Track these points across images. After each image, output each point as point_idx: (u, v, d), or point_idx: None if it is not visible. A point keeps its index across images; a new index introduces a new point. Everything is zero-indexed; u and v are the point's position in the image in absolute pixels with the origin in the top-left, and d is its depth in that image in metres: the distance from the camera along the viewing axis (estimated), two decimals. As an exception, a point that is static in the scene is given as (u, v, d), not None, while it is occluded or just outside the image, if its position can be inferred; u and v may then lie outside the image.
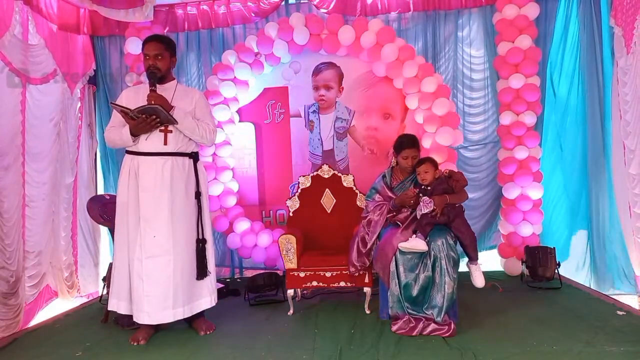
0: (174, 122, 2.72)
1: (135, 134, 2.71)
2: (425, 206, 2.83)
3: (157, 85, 2.75)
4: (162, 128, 2.75)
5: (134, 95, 2.83)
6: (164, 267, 2.70)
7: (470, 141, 4.44)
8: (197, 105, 2.91)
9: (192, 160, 2.88)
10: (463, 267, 4.33)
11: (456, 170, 3.24)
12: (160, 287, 2.69)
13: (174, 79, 2.93)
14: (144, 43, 2.81)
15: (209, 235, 2.94)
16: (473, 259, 2.91)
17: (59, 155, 3.97)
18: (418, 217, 2.89)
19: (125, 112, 2.65)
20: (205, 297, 2.91)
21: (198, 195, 2.87)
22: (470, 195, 4.25)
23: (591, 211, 3.97)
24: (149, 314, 2.69)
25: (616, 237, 3.74)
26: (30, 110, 3.62)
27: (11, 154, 3.37)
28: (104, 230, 4.43)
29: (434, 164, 2.98)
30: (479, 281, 2.88)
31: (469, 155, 4.45)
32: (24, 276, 3.46)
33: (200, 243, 2.86)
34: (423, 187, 2.95)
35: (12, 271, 3.25)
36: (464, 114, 4.39)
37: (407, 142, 3.08)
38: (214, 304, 2.96)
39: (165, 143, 2.76)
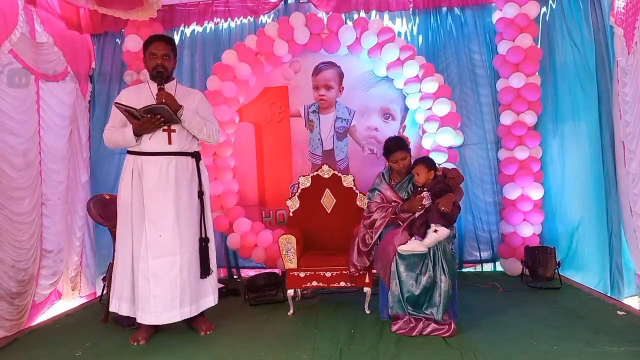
0: (177, 121, 2.72)
1: (138, 133, 2.70)
2: (427, 199, 2.88)
3: (164, 85, 2.74)
4: (166, 127, 2.75)
5: (134, 95, 2.82)
6: (171, 267, 2.71)
7: (478, 140, 4.42)
8: (199, 106, 2.91)
9: (194, 159, 2.89)
10: (464, 268, 4.37)
11: (450, 168, 3.25)
12: (167, 287, 2.70)
13: (174, 79, 2.93)
14: (150, 42, 2.80)
15: (210, 234, 2.96)
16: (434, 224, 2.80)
17: (73, 154, 4.00)
18: (416, 216, 2.91)
19: (129, 112, 2.65)
20: (209, 295, 2.92)
21: (201, 194, 2.88)
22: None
23: (600, 212, 3.91)
24: (156, 315, 2.69)
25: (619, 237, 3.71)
26: (49, 109, 3.65)
27: (31, 152, 3.40)
28: (104, 229, 4.42)
29: (428, 166, 2.96)
30: (427, 240, 2.77)
31: (481, 154, 4.42)
32: (39, 275, 3.47)
33: (203, 242, 2.87)
34: (419, 188, 2.99)
35: (23, 270, 3.24)
36: (472, 112, 4.38)
37: (393, 146, 3.08)
38: (216, 303, 2.97)
39: (170, 142, 2.76)
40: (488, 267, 4.42)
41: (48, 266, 3.64)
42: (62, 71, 3.83)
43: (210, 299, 2.92)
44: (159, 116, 2.65)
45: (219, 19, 4.52)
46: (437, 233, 2.75)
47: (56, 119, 3.77)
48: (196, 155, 2.91)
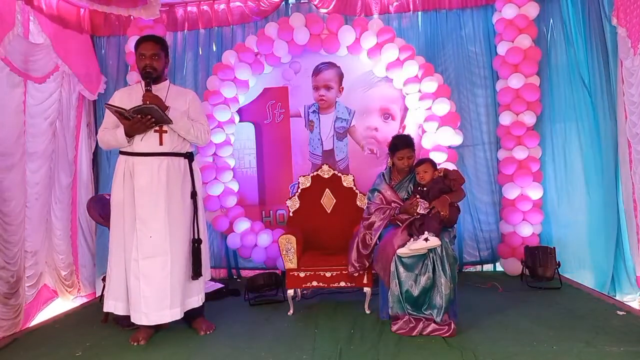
0: (169, 122, 2.72)
1: (130, 134, 2.71)
2: (423, 208, 2.87)
3: (152, 86, 2.74)
4: (157, 128, 2.75)
5: (127, 96, 2.83)
6: (161, 268, 2.70)
7: (478, 140, 4.41)
8: (191, 106, 2.91)
9: (187, 160, 2.89)
10: (464, 268, 4.38)
11: (452, 169, 3.26)
12: (157, 287, 2.69)
13: (167, 79, 2.93)
14: (139, 42, 2.81)
15: (203, 236, 2.95)
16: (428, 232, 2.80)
17: (54, 155, 3.95)
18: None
19: (120, 113, 2.65)
20: (194, 296, 2.90)
21: (194, 195, 2.88)
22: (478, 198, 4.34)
23: (601, 212, 3.91)
24: (146, 315, 2.69)
25: (619, 238, 3.70)
26: (27, 110, 3.62)
27: (16, 154, 3.38)
28: (104, 230, 4.42)
29: (433, 165, 3.05)
30: (413, 245, 2.77)
31: (480, 154, 4.42)
32: (24, 276, 3.46)
33: (196, 243, 2.86)
34: (420, 187, 3.00)
35: (13, 271, 3.25)
36: (471, 113, 4.37)
37: (402, 143, 3.10)
38: (200, 304, 2.95)
39: (161, 143, 2.76)
40: (488, 267, 4.43)
41: (29, 267, 3.60)
42: (50, 71, 3.78)
43: (194, 300, 2.90)
44: (150, 117, 2.65)
45: (219, 20, 4.50)
46: (427, 242, 2.73)
47: (35, 119, 3.71)
48: (189, 156, 2.90)
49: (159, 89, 2.80)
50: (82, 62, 4.19)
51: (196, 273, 2.84)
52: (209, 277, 3.11)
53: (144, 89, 2.74)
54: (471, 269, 4.43)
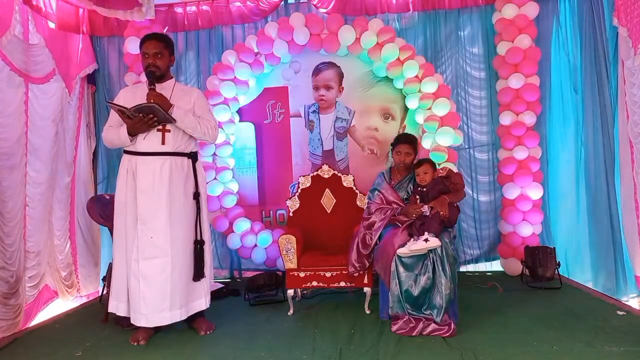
0: (171, 120, 2.70)
1: (132, 133, 2.70)
2: (425, 211, 2.91)
3: (156, 84, 2.74)
4: (160, 127, 2.73)
5: (131, 95, 2.82)
6: (162, 269, 2.69)
7: (478, 140, 4.41)
8: (196, 104, 2.89)
9: (190, 160, 2.87)
10: (464, 268, 4.38)
11: (455, 171, 3.26)
12: (157, 288, 2.68)
13: (172, 77, 2.92)
14: (143, 41, 2.80)
15: (207, 237, 2.92)
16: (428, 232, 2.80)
17: (56, 155, 3.96)
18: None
19: (122, 111, 2.64)
20: (200, 298, 2.88)
21: (197, 195, 2.86)
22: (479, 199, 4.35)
23: (600, 212, 3.90)
24: (145, 316, 2.68)
25: (619, 238, 3.70)
26: (35, 110, 3.62)
27: (17, 154, 3.38)
28: (104, 230, 4.42)
29: (433, 166, 3.07)
30: (413, 246, 2.77)
31: (480, 155, 4.42)
32: (24, 276, 3.46)
33: (198, 244, 2.84)
34: (419, 187, 3.02)
35: (12, 271, 3.25)
36: (469, 113, 4.39)
37: (403, 139, 3.18)
38: (207, 306, 2.94)
39: (163, 143, 2.74)
40: (488, 267, 4.43)
41: (31, 267, 3.59)
42: (49, 72, 3.79)
43: (201, 302, 2.88)
44: (151, 115, 2.64)
45: (219, 20, 4.50)
46: (427, 243, 2.74)
47: (42, 120, 3.72)
48: (192, 156, 2.88)
49: (164, 88, 2.79)
50: (70, 63, 4.16)
51: (198, 275, 2.82)
52: (212, 277, 3.11)
53: (148, 88, 2.74)
54: (471, 268, 4.43)
